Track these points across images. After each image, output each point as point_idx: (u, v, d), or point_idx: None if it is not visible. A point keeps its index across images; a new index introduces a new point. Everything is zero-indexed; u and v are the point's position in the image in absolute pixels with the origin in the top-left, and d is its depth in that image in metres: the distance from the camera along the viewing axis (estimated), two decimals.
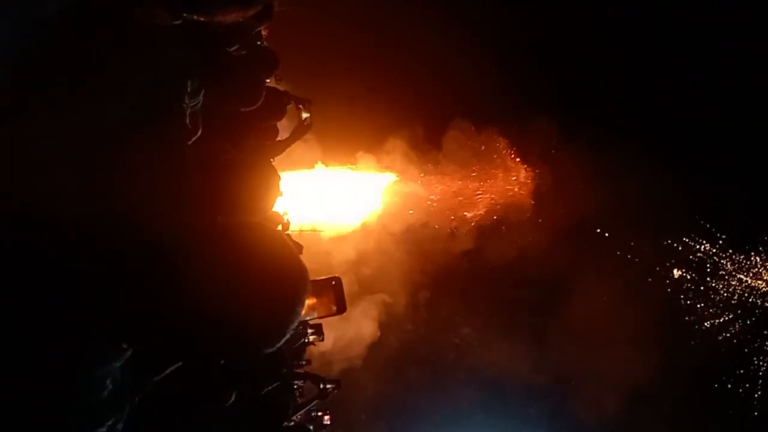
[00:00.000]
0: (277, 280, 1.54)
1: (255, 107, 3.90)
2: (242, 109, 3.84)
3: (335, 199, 13.95)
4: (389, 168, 14.96)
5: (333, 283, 5.36)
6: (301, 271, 1.66)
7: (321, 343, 8.77)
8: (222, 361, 1.66)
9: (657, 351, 16.70)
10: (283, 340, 1.53)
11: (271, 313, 1.52)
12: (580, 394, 16.81)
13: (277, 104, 5.97)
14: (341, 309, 5.47)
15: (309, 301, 5.06)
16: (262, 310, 1.50)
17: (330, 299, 5.29)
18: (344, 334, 12.74)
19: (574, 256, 17.13)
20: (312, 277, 1.71)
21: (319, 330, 7.22)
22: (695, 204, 17.32)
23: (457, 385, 17.20)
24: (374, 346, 14.01)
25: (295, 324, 1.55)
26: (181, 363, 1.56)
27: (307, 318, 5.56)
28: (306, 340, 7.33)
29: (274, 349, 1.57)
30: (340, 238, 13.71)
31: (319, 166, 13.78)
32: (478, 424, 17.25)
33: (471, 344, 17.52)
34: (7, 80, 1.47)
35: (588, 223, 17.38)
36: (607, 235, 18.02)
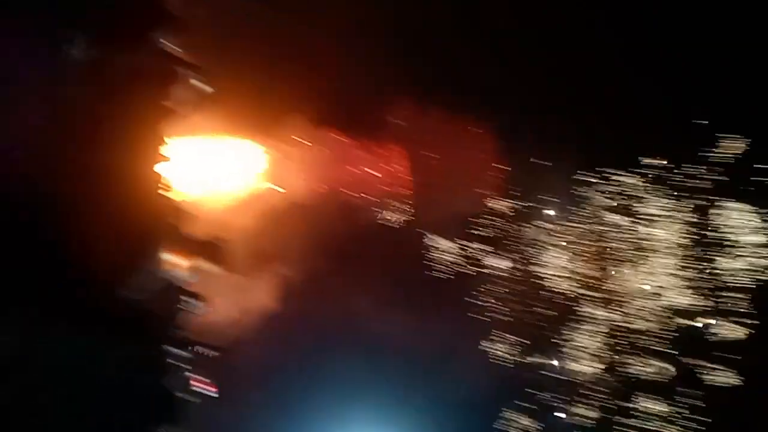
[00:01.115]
0: (134, 219, 1.69)
1: (142, 59, 3.91)
2: (127, 58, 3.84)
3: (232, 168, 13.81)
4: (290, 138, 14.99)
5: (214, 245, 5.36)
6: (161, 215, 1.80)
7: (210, 313, 8.72)
8: (80, 297, 1.78)
9: None
10: (135, 280, 1.68)
11: (122, 247, 1.67)
12: (464, 366, 17.48)
13: (168, 66, 5.95)
14: (224, 271, 5.51)
15: (188, 262, 5.11)
16: (116, 243, 1.64)
17: (212, 260, 5.31)
18: (235, 303, 12.71)
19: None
20: (198, 241, 1.85)
21: (197, 296, 7.16)
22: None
23: (348, 356, 17.46)
24: (266, 316, 14.01)
25: (149, 265, 1.70)
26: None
27: (188, 279, 5.57)
28: (181, 305, 7.24)
29: (128, 288, 1.71)
30: (236, 207, 13.58)
31: (218, 135, 13.57)
32: (367, 395, 17.60)
33: (364, 316, 17.84)
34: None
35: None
36: None
